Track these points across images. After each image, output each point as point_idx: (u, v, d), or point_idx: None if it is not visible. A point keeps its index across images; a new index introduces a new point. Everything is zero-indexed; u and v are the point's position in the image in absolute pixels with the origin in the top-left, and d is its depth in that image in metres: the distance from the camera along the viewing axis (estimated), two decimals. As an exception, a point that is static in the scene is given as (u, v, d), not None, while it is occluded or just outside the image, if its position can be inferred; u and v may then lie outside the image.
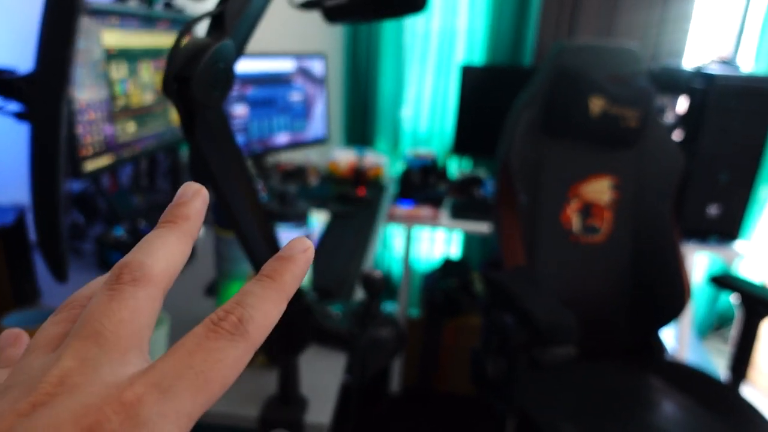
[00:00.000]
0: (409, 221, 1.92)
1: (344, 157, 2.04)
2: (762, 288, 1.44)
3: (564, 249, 1.51)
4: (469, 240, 2.56)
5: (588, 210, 1.53)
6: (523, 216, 1.44)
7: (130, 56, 1.24)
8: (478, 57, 2.34)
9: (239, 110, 1.79)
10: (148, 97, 1.33)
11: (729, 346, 2.49)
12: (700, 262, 2.31)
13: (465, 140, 2.22)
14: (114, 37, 1.17)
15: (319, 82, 2.07)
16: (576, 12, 2.26)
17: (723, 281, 1.46)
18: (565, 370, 1.44)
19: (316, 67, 2.05)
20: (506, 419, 1.26)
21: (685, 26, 2.23)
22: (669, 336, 2.21)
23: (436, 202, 2.04)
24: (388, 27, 2.30)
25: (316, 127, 2.11)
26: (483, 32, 2.30)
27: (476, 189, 2.14)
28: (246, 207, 0.66)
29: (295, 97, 1.99)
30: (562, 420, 1.18)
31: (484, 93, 2.15)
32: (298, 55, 1.97)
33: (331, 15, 0.87)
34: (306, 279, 1.09)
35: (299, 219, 1.01)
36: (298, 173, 1.99)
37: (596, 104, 1.41)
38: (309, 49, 2.25)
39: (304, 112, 2.04)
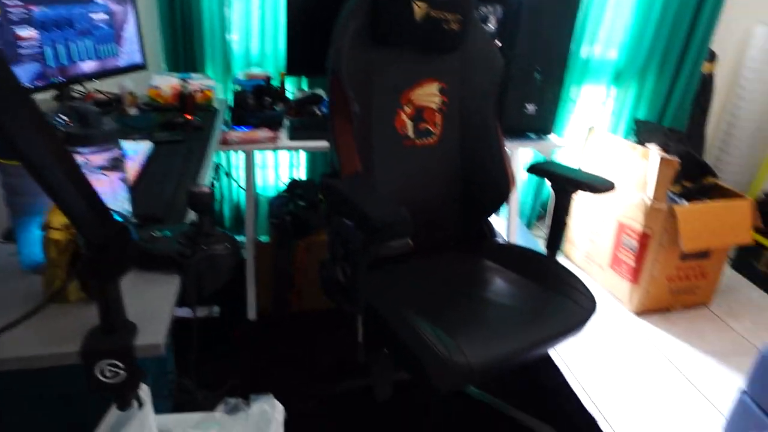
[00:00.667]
0: (246, 145, 1.85)
1: (166, 82, 1.87)
2: (569, 169, 1.63)
3: (400, 154, 1.56)
4: (314, 159, 2.55)
5: (420, 114, 1.58)
6: (357, 125, 1.45)
7: None
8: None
9: (26, 33, 1.53)
10: None
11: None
12: (523, 157, 2.54)
13: (298, 60, 2.14)
14: None
15: (125, 0, 1.83)
16: None
17: (537, 168, 1.62)
18: (407, 264, 1.54)
19: (119, -20, 1.80)
20: (356, 320, 1.32)
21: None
22: (500, 227, 2.45)
23: (274, 124, 1.97)
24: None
25: (129, 52, 1.89)
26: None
27: (315, 108, 2.11)
28: (27, 127, 0.57)
29: (98, 16, 1.75)
30: (404, 307, 1.26)
31: (314, 9, 2.07)
32: (93, -34, 1.71)
33: None
34: (125, 205, 1.00)
35: (106, 141, 0.91)
36: (112, 104, 1.79)
37: (420, 8, 1.43)
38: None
39: (112, 35, 1.81)
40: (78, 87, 1.83)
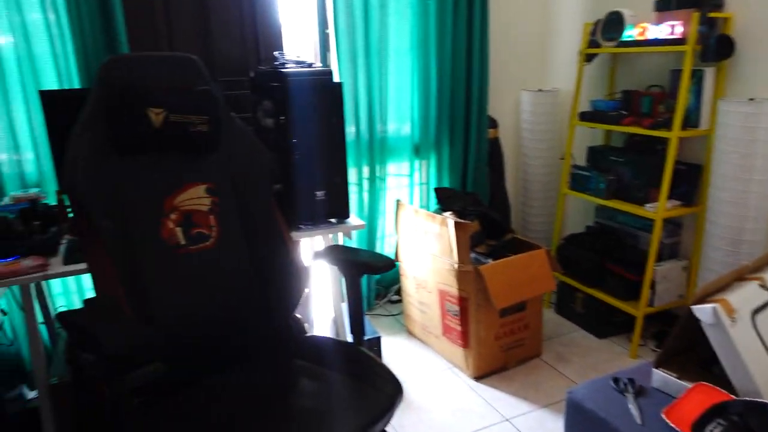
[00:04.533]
0: (7, 279, 1.62)
1: None
2: (351, 252, 1.62)
3: (173, 264, 1.45)
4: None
5: (189, 220, 1.50)
6: (112, 242, 1.32)
7: None
8: (74, 82, 2.13)
9: None
10: None
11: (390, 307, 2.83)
12: (329, 243, 2.55)
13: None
14: None
15: None
16: (171, 33, 2.24)
17: (321, 255, 1.60)
18: (209, 384, 1.39)
19: None
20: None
21: (278, 35, 2.43)
22: (330, 317, 2.39)
23: (46, 249, 1.77)
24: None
25: None
26: (71, 55, 2.10)
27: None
28: None
29: None
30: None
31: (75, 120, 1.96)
32: None
33: None
34: None
35: None
36: None
37: (156, 114, 1.38)
38: None
39: None
40: None
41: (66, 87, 2.10)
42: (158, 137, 1.41)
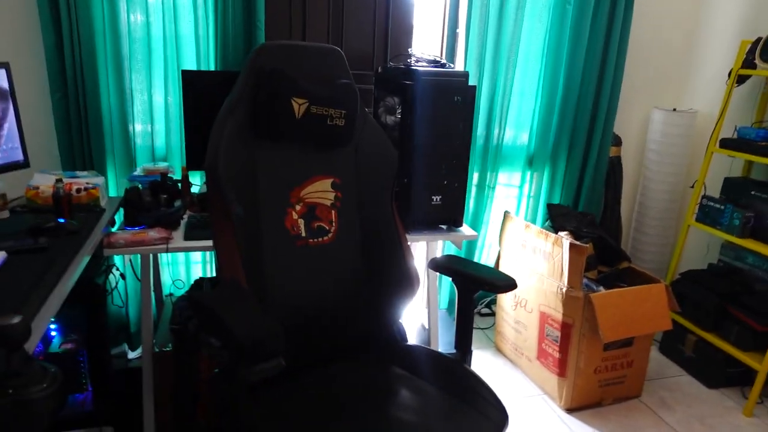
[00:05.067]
0: (133, 248, 1.70)
1: (47, 182, 1.73)
2: (471, 266, 1.56)
3: (293, 255, 1.46)
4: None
5: (313, 212, 1.50)
6: (240, 227, 1.34)
7: None
8: (210, 64, 2.20)
9: None
10: None
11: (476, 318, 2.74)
12: (435, 248, 2.50)
13: (199, 153, 2.06)
14: None
15: (4, 97, 1.72)
16: (304, 18, 2.26)
17: (439, 265, 1.55)
18: (307, 377, 1.39)
19: (-3, 78, 1.70)
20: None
21: (409, 32, 2.40)
22: (422, 316, 2.34)
23: (170, 223, 1.85)
24: (99, 30, 2.03)
25: (8, 149, 1.76)
26: (211, 38, 2.18)
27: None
28: None
29: (-31, 114, 1.63)
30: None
31: (214, 102, 2.01)
32: (-36, 65, 1.61)
33: None
34: None
35: None
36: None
37: (299, 105, 1.38)
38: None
39: (-14, 132, 1.68)
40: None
41: (203, 68, 2.18)
42: (297, 127, 1.41)
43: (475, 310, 2.92)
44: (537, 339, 2.29)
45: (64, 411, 1.99)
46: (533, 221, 2.77)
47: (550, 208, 2.48)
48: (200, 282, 2.21)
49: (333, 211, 1.53)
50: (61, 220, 1.53)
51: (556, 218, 2.39)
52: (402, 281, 1.55)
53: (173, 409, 1.95)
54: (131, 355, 2.41)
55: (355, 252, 1.55)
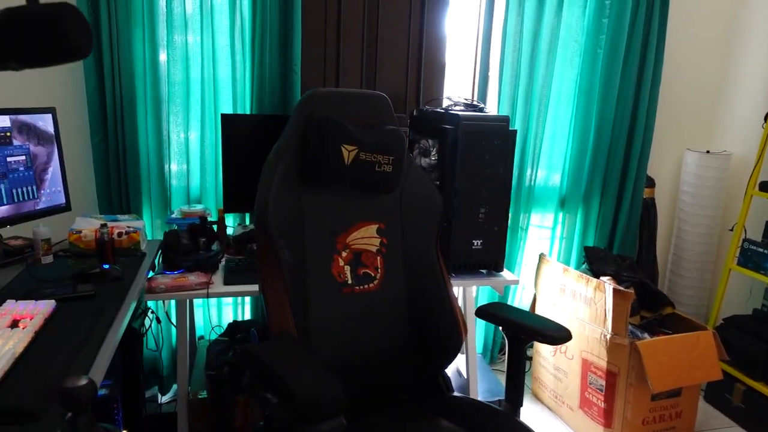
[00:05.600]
0: (174, 293, 1.68)
1: (89, 225, 1.73)
2: (521, 314, 1.52)
3: (339, 302, 1.42)
4: (259, 298, 2.38)
5: (359, 259, 1.47)
6: (288, 274, 1.32)
7: None
8: (246, 107, 2.23)
9: (-76, 181, 1.39)
10: None
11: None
12: (477, 294, 2.45)
13: (236, 196, 2.07)
14: None
15: (49, 141, 1.74)
16: (338, 64, 2.29)
17: (486, 312, 1.50)
18: (354, 428, 1.34)
19: (43, 124, 1.72)
20: None
21: (441, 74, 2.41)
22: (459, 362, 2.28)
23: (209, 267, 1.83)
24: (140, 74, 2.07)
25: (51, 194, 1.77)
26: (248, 81, 2.20)
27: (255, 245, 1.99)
28: None
29: (16, 159, 1.64)
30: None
31: (250, 144, 2.03)
32: (14, 112, 1.63)
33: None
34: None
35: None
36: (24, 251, 1.63)
37: (349, 152, 1.37)
38: (39, 103, 1.90)
39: (31, 177, 1.69)
40: (-13, 233, 1.67)
41: (239, 110, 2.20)
42: (345, 174, 1.40)
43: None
44: (579, 387, 2.21)
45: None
46: (566, 263, 2.71)
47: (588, 251, 2.43)
48: (234, 326, 2.17)
49: (378, 258, 1.50)
50: (106, 266, 1.51)
51: (594, 261, 2.34)
52: (448, 329, 1.51)
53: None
54: (162, 399, 2.36)
55: (401, 299, 1.52)
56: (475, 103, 1.98)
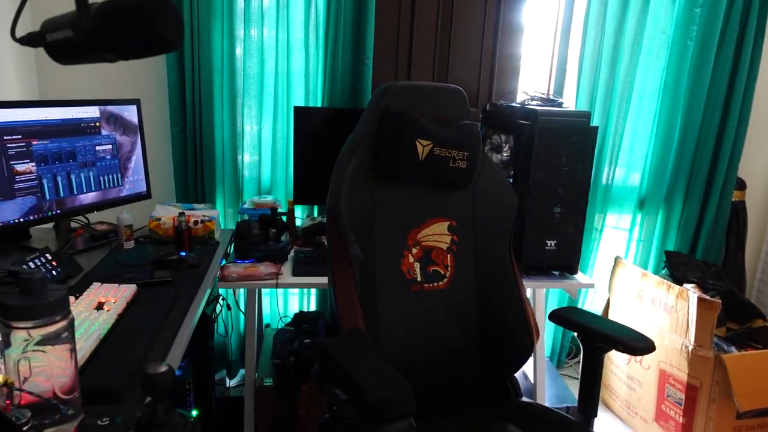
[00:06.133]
0: (245, 282, 1.71)
1: (168, 213, 1.79)
2: (598, 321, 1.44)
3: (407, 300, 1.40)
4: (327, 290, 2.40)
5: (428, 256, 1.44)
6: (359, 269, 1.31)
7: None
8: (317, 100, 2.24)
9: (23, 167, 1.48)
10: None
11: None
12: (546, 296, 2.36)
13: (306, 188, 2.09)
14: None
15: (133, 131, 1.82)
16: (410, 55, 2.26)
17: (561, 317, 1.44)
18: (419, 428, 1.32)
19: (128, 114, 1.80)
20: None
21: (516, 68, 2.33)
22: (526, 366, 2.21)
23: (278, 257, 1.86)
24: (217, 67, 2.12)
25: (134, 182, 1.85)
26: (320, 74, 2.22)
27: (324, 238, 2.00)
28: None
29: (103, 148, 1.72)
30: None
31: (322, 137, 2.04)
32: (103, 103, 1.71)
33: (58, 53, 0.68)
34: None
35: (49, 312, 0.77)
36: (108, 236, 1.71)
37: (423, 146, 1.34)
38: (125, 94, 1.99)
39: (116, 165, 1.78)
40: (79, 218, 1.77)
41: (311, 103, 2.22)
42: (419, 169, 1.37)
43: (578, 359, 2.73)
44: (655, 399, 2.09)
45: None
46: (643, 267, 2.57)
47: (669, 255, 2.29)
48: (300, 316, 2.21)
49: (449, 255, 1.46)
50: (183, 253, 1.56)
51: (677, 267, 2.20)
52: (520, 332, 1.45)
53: (272, 445, 1.93)
54: (230, 383, 2.43)
55: (471, 299, 1.48)
56: (552, 97, 1.90)
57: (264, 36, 2.16)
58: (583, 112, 1.76)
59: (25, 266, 1.29)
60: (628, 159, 2.50)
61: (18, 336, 0.76)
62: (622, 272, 2.27)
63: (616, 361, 2.32)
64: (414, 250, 1.43)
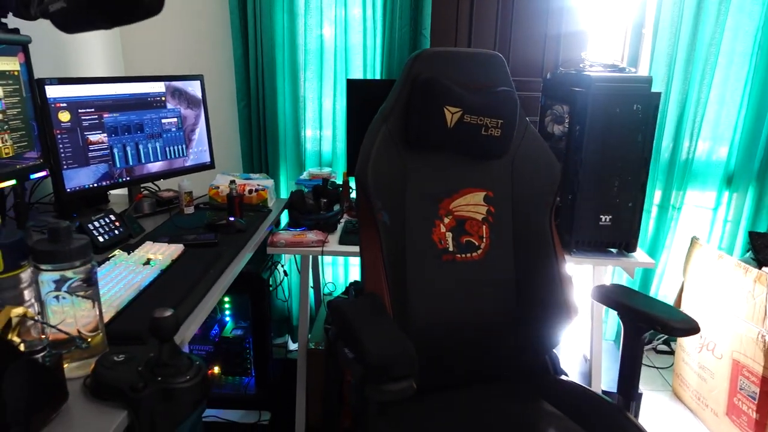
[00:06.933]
0: (292, 248, 1.79)
1: (226, 182, 1.91)
2: (642, 300, 1.35)
3: (437, 269, 1.40)
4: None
5: (462, 226, 1.42)
6: (386, 236, 1.32)
7: None
8: (375, 73, 2.25)
9: (96, 137, 1.64)
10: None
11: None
12: (603, 274, 2.24)
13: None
14: None
15: (197, 105, 1.94)
16: (471, 26, 2.20)
17: (603, 295, 1.36)
18: (449, 400, 1.32)
19: (192, 89, 1.93)
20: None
21: (583, 35, 2.20)
22: (584, 345, 2.12)
23: (327, 226, 1.91)
24: (279, 42, 2.20)
25: (198, 152, 1.98)
26: (378, 48, 2.22)
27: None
28: None
29: (169, 121, 1.86)
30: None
31: (375, 109, 2.05)
32: (169, 78, 1.84)
33: (60, 22, 0.75)
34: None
35: (72, 258, 0.86)
36: (172, 202, 1.85)
37: (452, 114, 1.32)
38: (195, 70, 2.13)
39: (181, 137, 1.91)
40: (148, 184, 1.93)
41: (369, 77, 2.23)
42: (448, 137, 1.35)
43: (650, 346, 2.57)
44: (727, 391, 1.92)
45: (230, 391, 2.18)
46: (729, 251, 2.34)
47: (753, 237, 2.07)
48: (355, 284, 2.26)
49: (484, 226, 1.43)
50: (232, 218, 1.66)
51: (762, 250, 1.99)
52: (557, 307, 1.40)
53: (322, 406, 2.02)
54: (292, 346, 2.56)
55: (507, 271, 1.44)
56: (616, 63, 1.77)
57: (323, 10, 2.20)
58: (644, 77, 1.62)
59: (90, 225, 1.44)
60: (713, 131, 2.27)
61: (45, 276, 0.86)
62: (697, 254, 2.09)
63: (687, 349, 2.16)
64: (446, 220, 1.41)
